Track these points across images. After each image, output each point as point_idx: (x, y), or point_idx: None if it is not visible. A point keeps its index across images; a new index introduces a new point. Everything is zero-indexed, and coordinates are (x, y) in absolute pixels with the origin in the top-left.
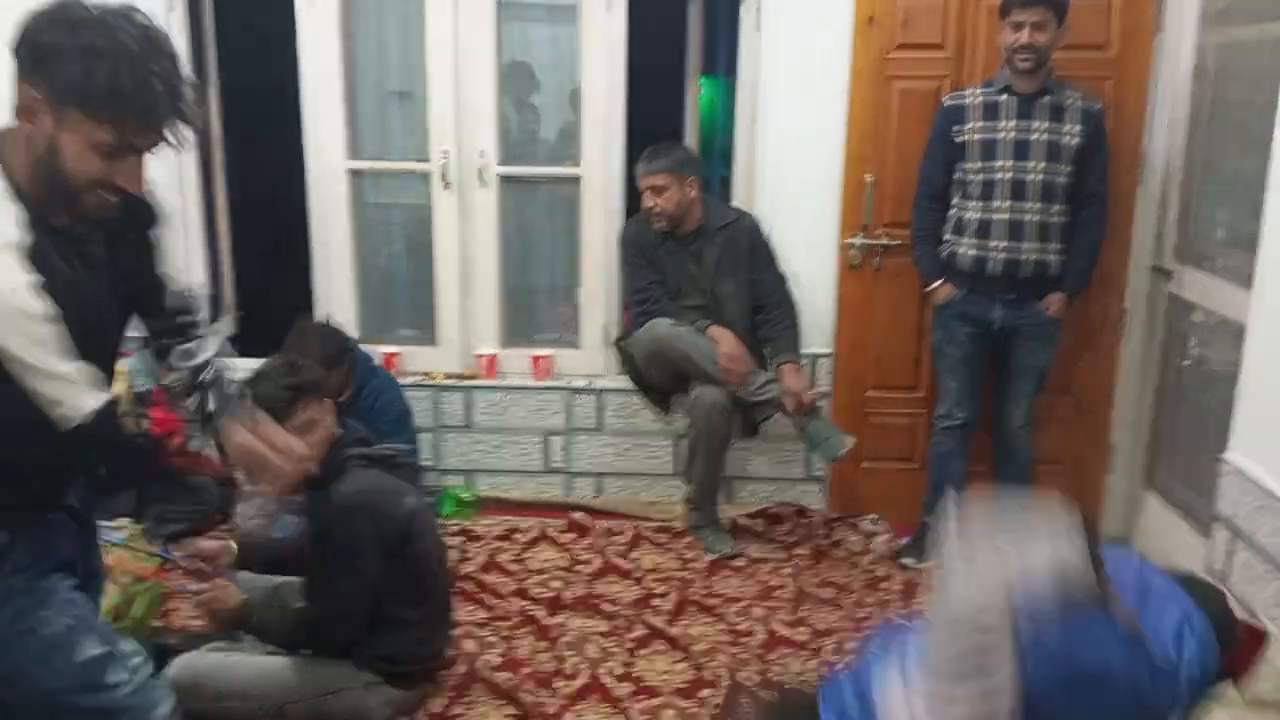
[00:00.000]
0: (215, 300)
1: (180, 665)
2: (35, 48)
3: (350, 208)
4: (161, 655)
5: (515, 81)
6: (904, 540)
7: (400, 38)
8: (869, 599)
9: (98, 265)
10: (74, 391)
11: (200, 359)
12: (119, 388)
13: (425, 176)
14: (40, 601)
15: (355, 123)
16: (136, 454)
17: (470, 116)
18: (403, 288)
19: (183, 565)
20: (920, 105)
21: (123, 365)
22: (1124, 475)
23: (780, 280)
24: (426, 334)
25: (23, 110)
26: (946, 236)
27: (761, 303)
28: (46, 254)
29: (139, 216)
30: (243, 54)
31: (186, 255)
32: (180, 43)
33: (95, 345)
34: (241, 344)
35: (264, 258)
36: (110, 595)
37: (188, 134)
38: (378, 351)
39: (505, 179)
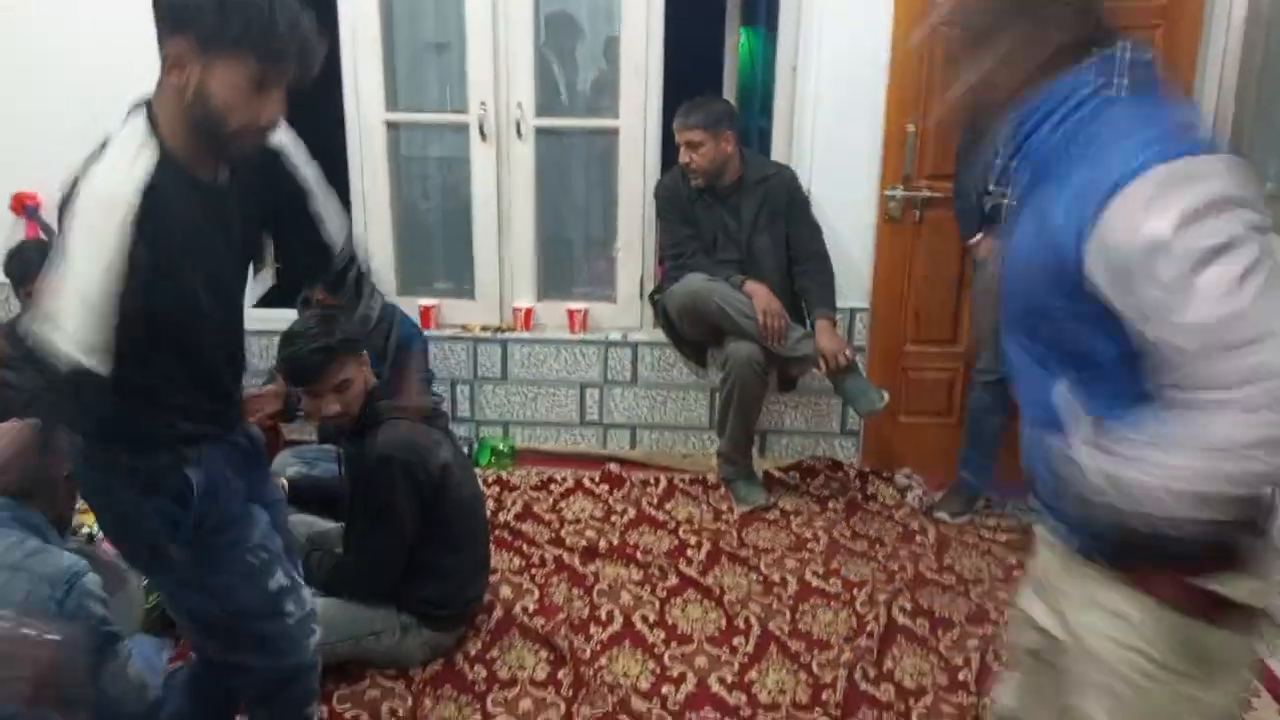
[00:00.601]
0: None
1: None
2: (173, 4)
3: (388, 160)
4: None
5: (555, 32)
6: (938, 494)
7: None
8: (902, 552)
9: (230, 221)
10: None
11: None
12: None
13: (463, 128)
14: (250, 530)
15: (393, 74)
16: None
17: (508, 68)
18: (440, 241)
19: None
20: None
21: None
22: None
23: (815, 233)
24: (464, 286)
25: (173, 64)
26: (990, 189)
27: (796, 255)
28: (174, 202)
29: (259, 162)
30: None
31: None
32: None
33: (215, 298)
34: (280, 297)
35: None
36: None
37: (316, 64)
38: (416, 304)
39: (542, 131)
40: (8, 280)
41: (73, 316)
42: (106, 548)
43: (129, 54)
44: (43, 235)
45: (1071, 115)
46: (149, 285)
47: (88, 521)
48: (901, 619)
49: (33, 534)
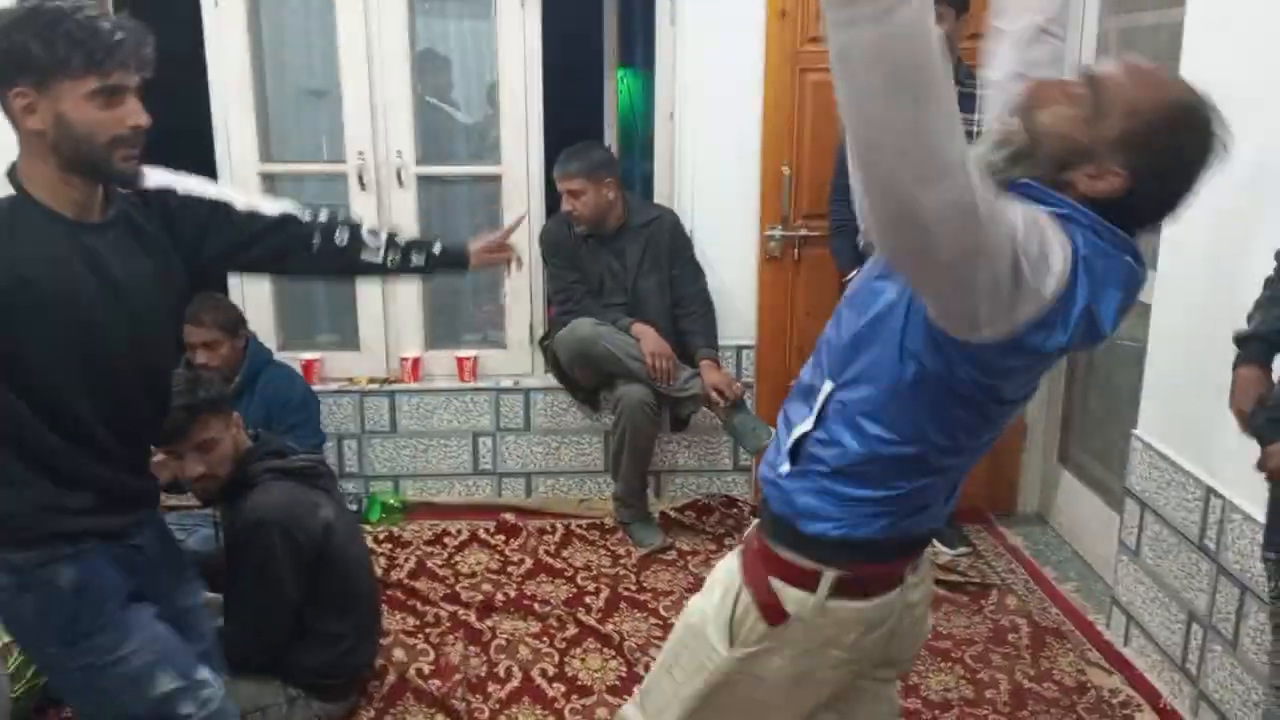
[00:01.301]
0: None
1: None
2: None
3: None
4: None
5: (431, 77)
6: None
7: (312, 33)
8: None
9: (102, 261)
10: None
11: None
12: None
13: (342, 178)
14: (126, 635)
15: (268, 124)
16: None
17: (386, 116)
18: (322, 292)
19: None
20: (834, 98)
21: None
22: (1038, 453)
23: (698, 275)
24: (349, 339)
25: (23, 113)
26: (861, 226)
27: (678, 297)
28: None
29: (150, 204)
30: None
31: None
32: None
33: (80, 343)
34: None
35: None
36: None
37: (150, 57)
38: (299, 358)
39: (424, 179)
40: None
41: None
42: None
43: None
44: None
45: None
46: None
47: None
48: None
49: None
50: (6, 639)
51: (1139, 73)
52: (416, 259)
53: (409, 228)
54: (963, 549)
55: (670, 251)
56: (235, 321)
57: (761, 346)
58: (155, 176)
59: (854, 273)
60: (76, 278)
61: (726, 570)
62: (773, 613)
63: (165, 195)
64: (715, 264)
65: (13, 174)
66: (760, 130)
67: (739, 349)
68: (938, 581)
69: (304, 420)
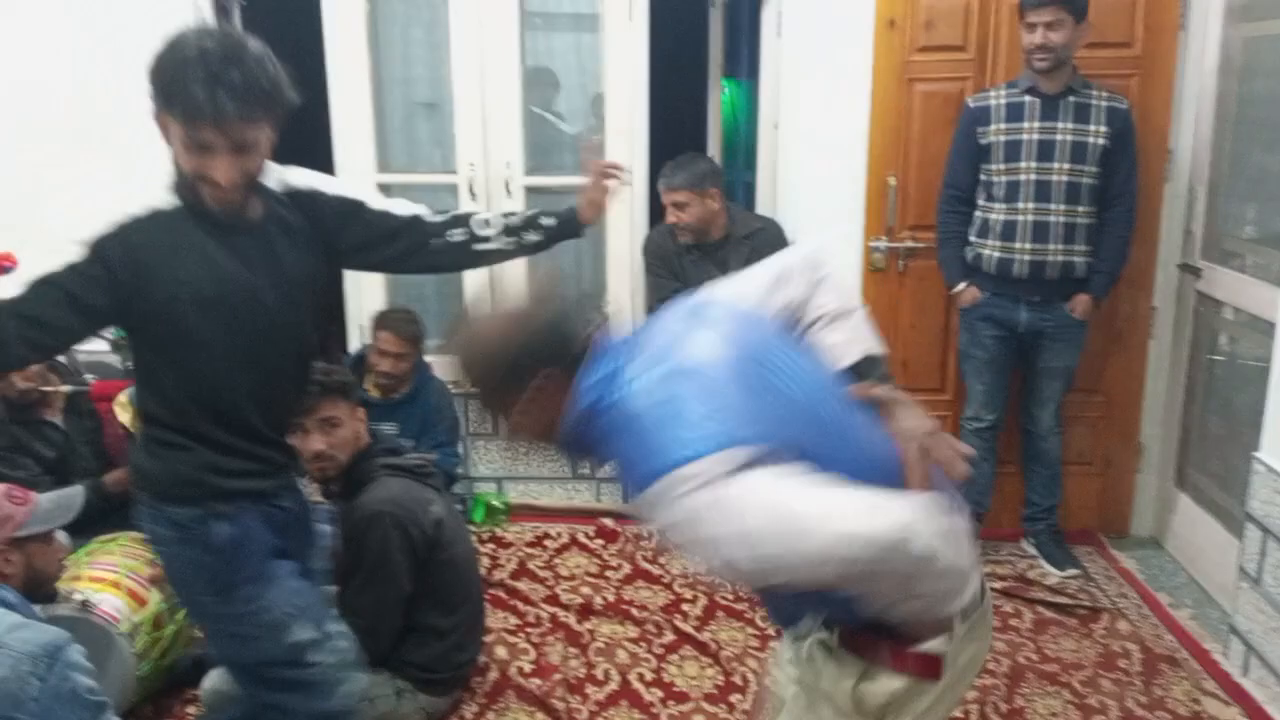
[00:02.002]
0: None
1: (217, 675)
2: (150, 72)
3: None
4: (199, 664)
5: (539, 89)
6: None
7: (426, 49)
8: None
9: (253, 259)
10: None
11: (490, 214)
12: (125, 418)
13: (453, 188)
14: (270, 587)
15: (383, 136)
16: None
17: (496, 128)
18: (433, 299)
19: None
20: (943, 107)
21: (122, 397)
22: (1155, 474)
23: None
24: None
25: (163, 135)
26: (971, 238)
27: None
28: (157, 231)
29: (298, 202)
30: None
31: None
32: None
33: (220, 326)
34: None
35: None
36: (153, 603)
37: (236, 133)
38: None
39: (531, 189)
40: None
41: None
42: (101, 612)
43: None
44: None
45: None
46: (118, 303)
47: (80, 588)
48: None
49: (11, 610)
50: (136, 620)
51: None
52: (533, 236)
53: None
54: (1072, 571)
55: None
56: (420, 336)
57: None
58: (301, 176)
59: (962, 285)
60: (229, 275)
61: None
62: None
63: (311, 194)
64: None
65: (178, 183)
66: (866, 140)
67: None
68: (1045, 603)
69: (450, 440)
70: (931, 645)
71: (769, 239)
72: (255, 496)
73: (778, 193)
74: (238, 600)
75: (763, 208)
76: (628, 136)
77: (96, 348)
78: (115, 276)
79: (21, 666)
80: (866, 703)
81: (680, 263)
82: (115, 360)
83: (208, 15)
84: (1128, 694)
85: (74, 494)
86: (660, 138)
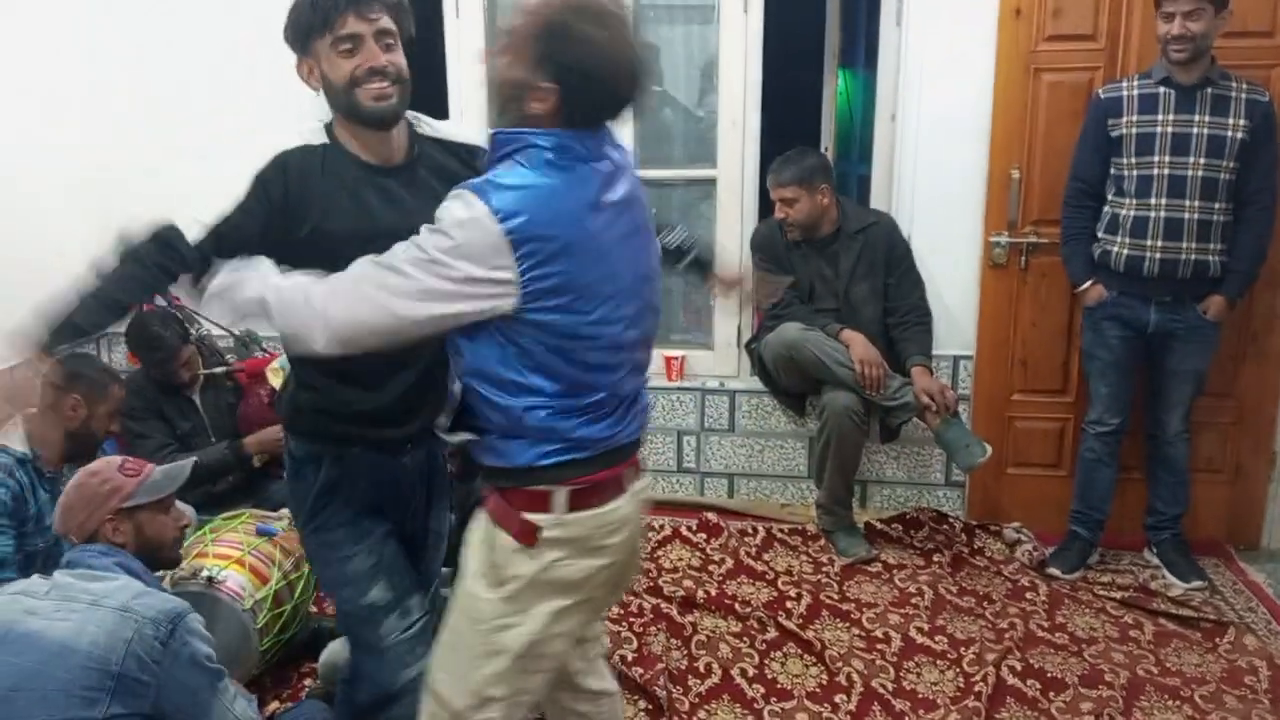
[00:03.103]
0: None
1: (334, 649)
2: (286, 28)
3: None
4: (317, 637)
5: (655, 81)
6: (1049, 549)
7: None
8: (1012, 609)
9: (402, 201)
10: None
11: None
12: (276, 382)
13: None
14: (354, 539)
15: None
16: None
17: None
18: None
19: None
20: (1070, 98)
21: (275, 364)
22: None
23: (915, 284)
24: None
25: (308, 81)
26: (1099, 235)
27: (894, 306)
28: (313, 173)
29: (454, 150)
30: None
31: None
32: None
33: None
34: None
35: None
36: (274, 580)
37: (397, 30)
38: None
39: (641, 181)
40: (146, 356)
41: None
42: (226, 588)
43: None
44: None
45: None
46: (273, 231)
47: (208, 564)
48: (1011, 679)
49: (135, 578)
50: (258, 596)
51: (528, 4)
52: (675, 262)
53: None
54: (1197, 582)
55: (886, 259)
56: None
57: (981, 358)
58: (463, 130)
59: (1089, 282)
60: (372, 214)
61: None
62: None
63: (471, 148)
64: (934, 271)
65: (329, 128)
66: (989, 132)
67: (956, 359)
68: (1168, 615)
69: None
70: (534, 517)
71: (882, 233)
72: (370, 445)
73: (893, 186)
74: (325, 545)
75: (877, 201)
76: (740, 129)
77: (220, 331)
78: (273, 205)
79: (145, 630)
80: (486, 563)
81: (789, 257)
82: (245, 349)
83: None
84: (1254, 711)
85: (183, 466)
86: (773, 130)
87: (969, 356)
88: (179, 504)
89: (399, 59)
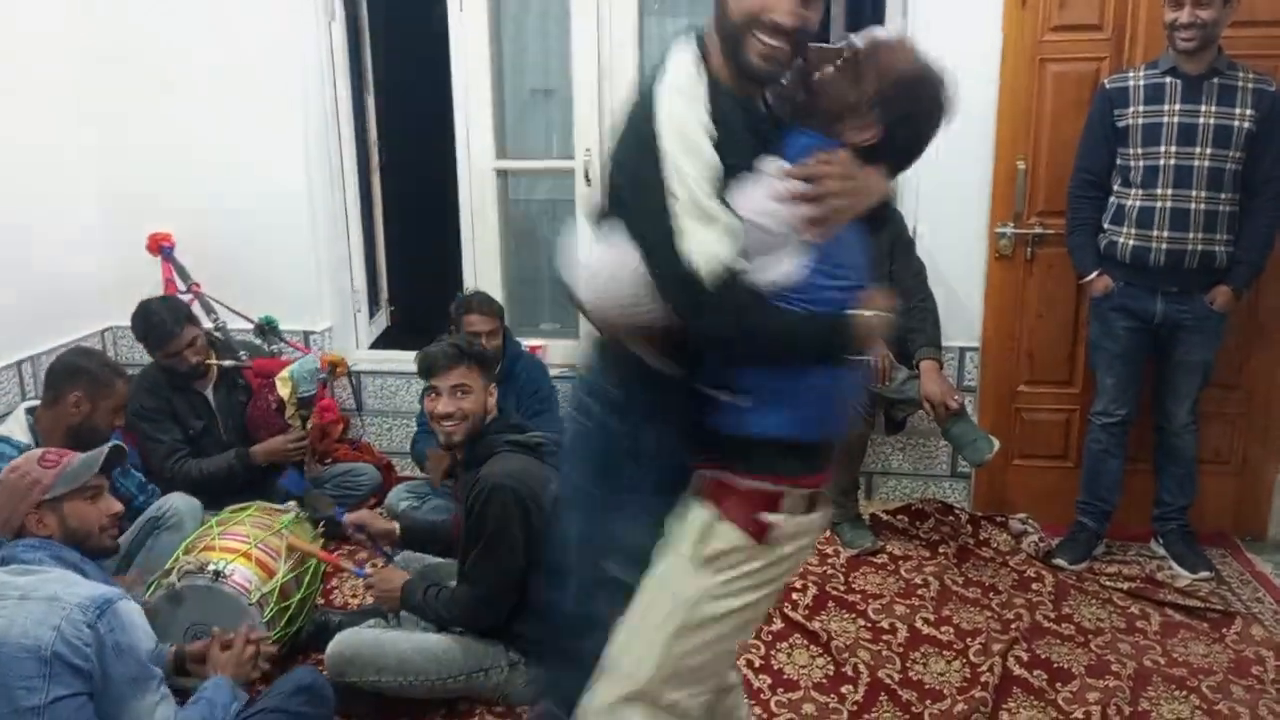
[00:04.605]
0: (371, 294)
1: (340, 640)
2: None
3: (498, 205)
4: (323, 630)
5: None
6: (1055, 540)
7: (544, 37)
8: (1018, 600)
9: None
10: (710, 233)
11: None
12: (284, 392)
13: (569, 173)
14: (634, 519)
15: (501, 122)
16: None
17: (612, 114)
18: (547, 283)
19: (353, 536)
20: (1076, 88)
21: (285, 373)
22: None
23: (920, 274)
24: (569, 327)
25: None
26: (1105, 225)
27: (899, 291)
28: (727, 117)
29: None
30: (399, 58)
31: (347, 251)
32: (339, 49)
33: None
34: (394, 337)
35: (416, 254)
36: (280, 574)
37: None
38: (524, 344)
39: None
40: (147, 342)
41: (702, 225)
42: (232, 582)
43: (259, 102)
44: (176, 276)
45: None
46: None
47: (214, 558)
48: (1018, 669)
49: (70, 569)
50: (265, 590)
51: (886, 44)
52: None
53: None
54: (1204, 573)
55: (891, 250)
56: (502, 313)
57: (987, 350)
58: None
59: (1094, 274)
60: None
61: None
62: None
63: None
64: (940, 262)
65: (700, 42)
66: (994, 123)
67: (962, 351)
68: (1175, 606)
69: (548, 409)
70: (769, 516)
71: (891, 228)
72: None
73: (899, 178)
74: (606, 505)
75: None
76: None
77: (243, 327)
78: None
79: (74, 615)
80: (704, 549)
81: None
82: (260, 344)
83: (336, 3)
84: (1261, 701)
85: (99, 452)
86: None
87: (975, 348)
88: (109, 494)
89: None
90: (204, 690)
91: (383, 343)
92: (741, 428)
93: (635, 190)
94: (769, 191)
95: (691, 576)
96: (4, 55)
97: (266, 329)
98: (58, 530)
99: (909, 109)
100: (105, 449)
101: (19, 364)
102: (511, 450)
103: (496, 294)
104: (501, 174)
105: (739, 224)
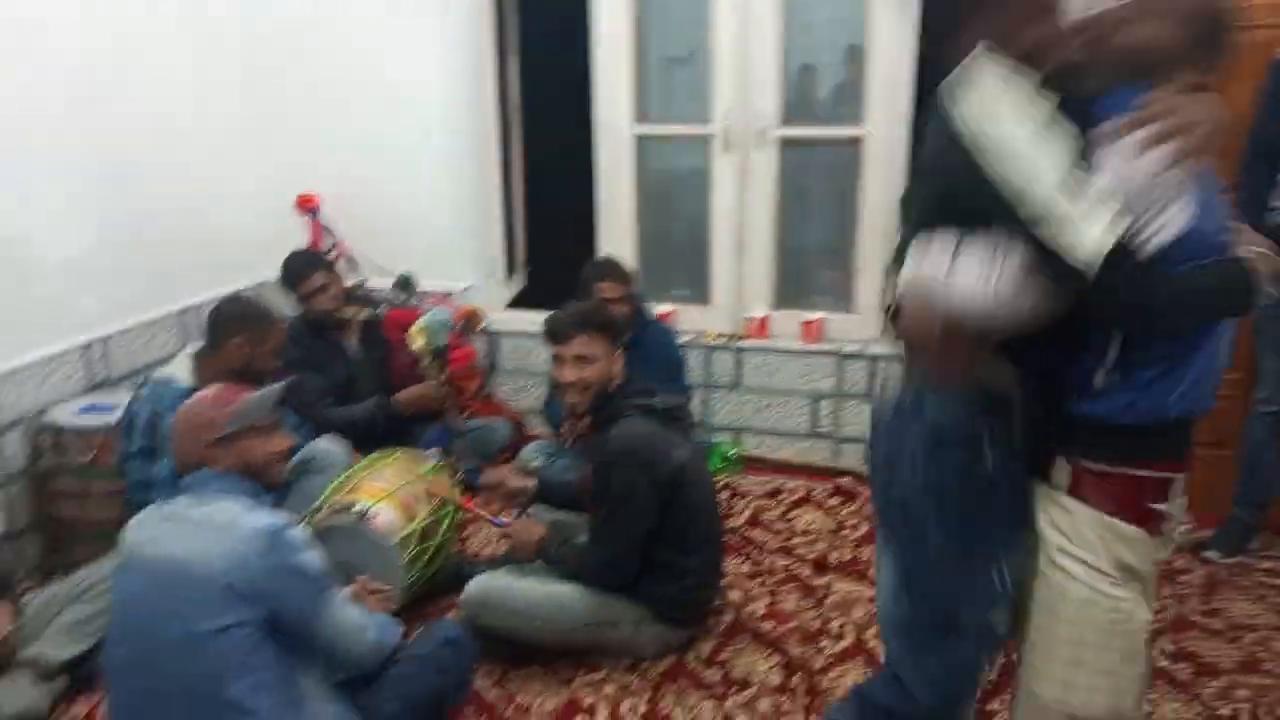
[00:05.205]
0: (509, 256)
1: (476, 584)
2: None
3: (634, 170)
4: (458, 575)
5: (796, 39)
6: (1208, 532)
7: (685, 3)
8: (1165, 591)
9: None
10: (1094, 215)
11: None
12: (417, 345)
13: (705, 139)
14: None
15: (642, 87)
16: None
17: (753, 79)
18: (680, 248)
19: (487, 490)
20: (1250, 59)
21: (417, 325)
22: None
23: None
24: (699, 294)
25: None
26: (1273, 204)
27: None
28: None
29: None
30: (540, 21)
31: (488, 214)
32: (485, 10)
33: None
34: (530, 298)
35: (551, 217)
36: (421, 517)
37: None
38: (654, 310)
39: (785, 140)
40: (284, 285)
41: (1084, 209)
42: (379, 523)
43: (406, 69)
44: (322, 234)
45: None
46: None
47: (360, 499)
48: (1162, 662)
49: (243, 500)
50: (406, 531)
51: None
52: None
53: (768, 191)
54: None
55: None
56: (633, 279)
57: None
58: None
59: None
60: None
61: None
62: None
63: None
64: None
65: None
66: None
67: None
68: None
69: (677, 376)
70: (1161, 506)
71: None
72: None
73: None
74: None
75: None
76: (891, 87)
77: (383, 284)
78: None
79: (245, 545)
80: (1113, 551)
81: None
82: (398, 299)
83: None
84: None
85: (272, 391)
86: (928, 88)
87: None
88: (285, 429)
89: None
90: (372, 616)
91: (518, 304)
92: (1131, 413)
93: (998, 198)
94: (1125, 153)
95: (1107, 590)
96: (180, 42)
97: (404, 285)
98: (233, 464)
99: (1204, 28)
100: (278, 387)
101: (182, 312)
102: (639, 415)
103: (628, 258)
104: (639, 139)
105: (1118, 195)
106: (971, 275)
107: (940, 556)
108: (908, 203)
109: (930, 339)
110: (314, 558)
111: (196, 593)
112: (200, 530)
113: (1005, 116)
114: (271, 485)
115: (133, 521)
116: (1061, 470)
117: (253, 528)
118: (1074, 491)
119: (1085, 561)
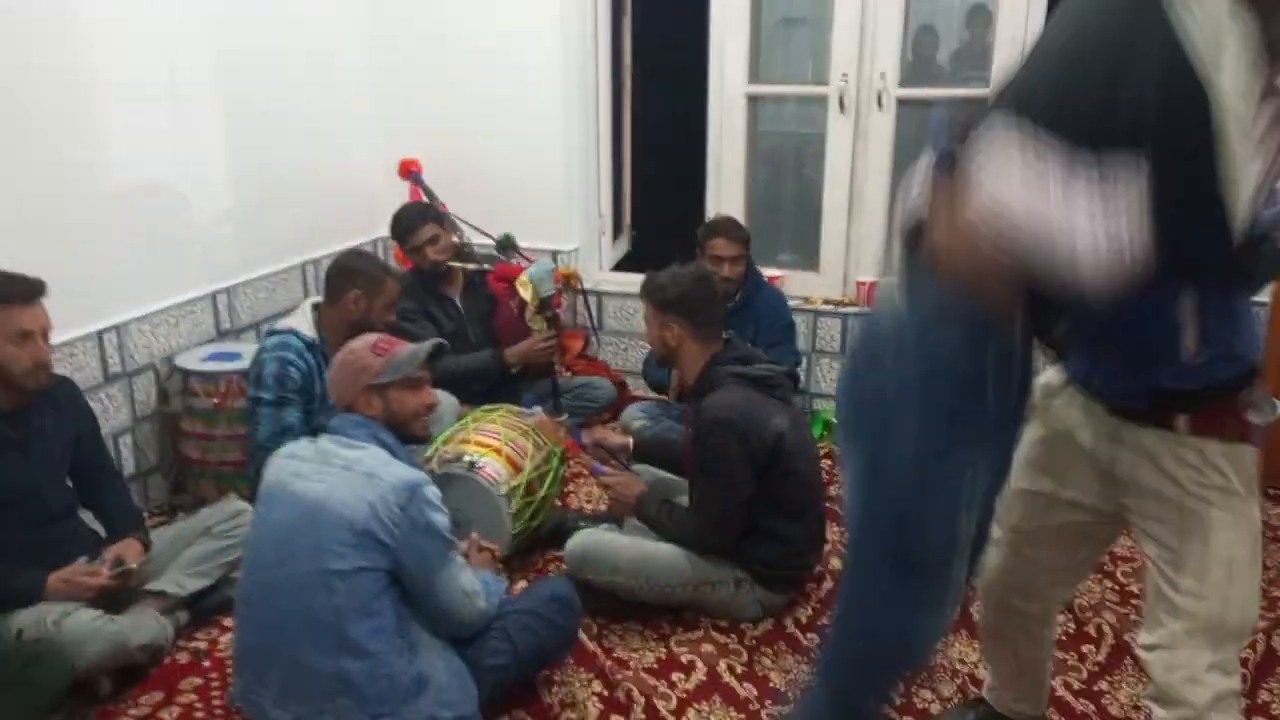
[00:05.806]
0: (615, 218)
1: (579, 538)
2: None
3: (745, 132)
4: (560, 529)
5: (918, 2)
6: None
7: None
8: None
9: None
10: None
11: None
12: (525, 294)
13: (820, 101)
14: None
15: (756, 46)
16: None
17: (873, 38)
18: (789, 213)
19: (589, 448)
20: None
21: (524, 276)
22: None
23: None
24: (808, 259)
25: None
26: None
27: None
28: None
29: None
30: None
31: (596, 175)
32: None
33: None
34: (634, 260)
35: (658, 179)
36: (527, 470)
37: None
38: (762, 275)
39: (903, 102)
40: (395, 236)
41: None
42: (485, 474)
43: (509, 40)
44: (424, 197)
45: None
46: None
47: (469, 450)
48: None
49: (386, 449)
50: (513, 484)
51: None
52: None
53: (884, 153)
54: None
55: None
56: (748, 239)
57: (1276, 305)
58: None
59: None
60: None
61: None
62: None
63: None
64: None
65: None
66: None
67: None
68: None
69: (787, 339)
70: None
71: None
72: None
73: None
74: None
75: None
76: (1019, 47)
77: (486, 241)
78: None
79: (387, 495)
80: (1244, 474)
81: None
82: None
83: None
84: None
85: (423, 346)
86: None
87: (1264, 303)
88: (432, 389)
89: None
90: (481, 573)
91: (624, 266)
92: (1227, 369)
93: (1195, 127)
94: None
95: (1242, 507)
96: (304, 31)
97: (506, 245)
98: (381, 413)
99: None
100: (430, 344)
101: (303, 265)
102: (735, 382)
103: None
104: (752, 100)
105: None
106: (1083, 214)
107: (910, 462)
108: (1020, 93)
109: (985, 275)
110: (444, 519)
111: (335, 532)
112: (347, 474)
113: (1231, 48)
114: (412, 438)
115: (281, 452)
116: (1180, 418)
117: (399, 479)
118: (1195, 431)
119: (1222, 488)
